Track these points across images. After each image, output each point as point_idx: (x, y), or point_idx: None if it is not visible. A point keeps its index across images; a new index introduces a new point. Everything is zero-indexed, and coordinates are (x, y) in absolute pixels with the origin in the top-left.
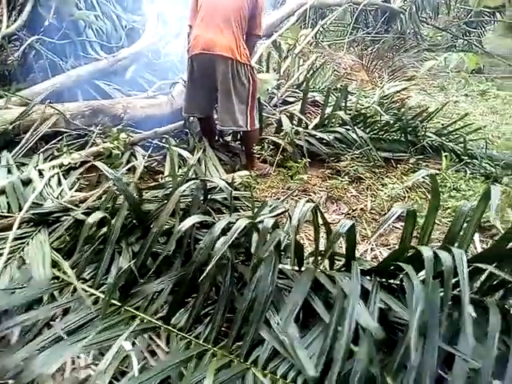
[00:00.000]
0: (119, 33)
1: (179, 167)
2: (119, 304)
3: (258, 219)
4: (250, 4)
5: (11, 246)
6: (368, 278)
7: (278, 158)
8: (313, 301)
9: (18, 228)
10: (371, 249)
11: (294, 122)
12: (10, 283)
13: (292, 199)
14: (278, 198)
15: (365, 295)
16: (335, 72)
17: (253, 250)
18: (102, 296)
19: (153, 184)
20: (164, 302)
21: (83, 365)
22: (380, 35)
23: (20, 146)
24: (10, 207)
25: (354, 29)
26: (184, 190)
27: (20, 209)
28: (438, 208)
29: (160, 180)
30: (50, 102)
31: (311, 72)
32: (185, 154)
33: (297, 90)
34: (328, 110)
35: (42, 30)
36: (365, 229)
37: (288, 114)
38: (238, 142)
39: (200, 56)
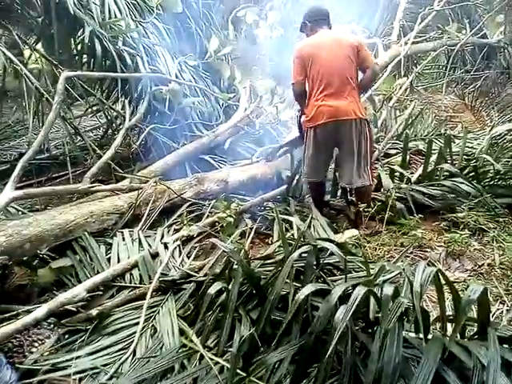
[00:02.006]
0: (216, 110)
1: (286, 230)
2: (244, 374)
3: (377, 283)
4: (354, 58)
5: (145, 315)
6: (507, 346)
7: (387, 215)
8: (445, 373)
9: (151, 297)
10: (507, 310)
11: (396, 175)
12: (146, 351)
13: (407, 257)
14: (392, 256)
15: (506, 367)
16: (436, 116)
17: (370, 316)
18: (227, 364)
19: (264, 254)
20: (286, 371)
21: None
22: (481, 72)
23: (143, 220)
24: (142, 278)
25: (451, 69)
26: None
27: (150, 279)
28: None
29: (269, 243)
30: (160, 179)
31: (410, 120)
32: (295, 220)
33: (397, 142)
34: (433, 158)
35: (156, 118)
36: (496, 287)
37: (388, 169)
38: (342, 200)
39: (325, 125)
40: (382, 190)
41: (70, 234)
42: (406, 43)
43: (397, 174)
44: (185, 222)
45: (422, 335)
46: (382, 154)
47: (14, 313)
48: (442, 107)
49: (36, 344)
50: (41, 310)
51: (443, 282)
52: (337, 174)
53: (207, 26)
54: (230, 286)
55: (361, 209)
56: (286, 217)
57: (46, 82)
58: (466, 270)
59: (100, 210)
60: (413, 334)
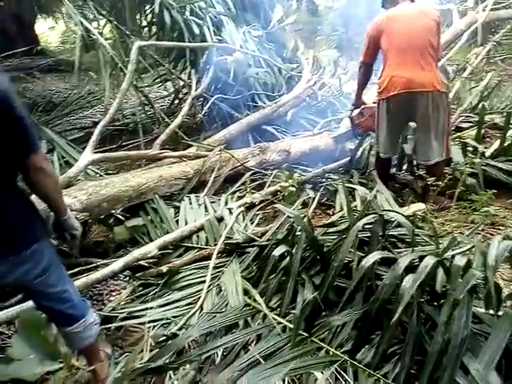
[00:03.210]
0: (279, 81)
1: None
2: (306, 335)
3: (447, 255)
4: (437, 31)
5: (211, 274)
6: None
7: (458, 190)
8: None
9: (216, 258)
10: None
11: (469, 149)
12: (212, 307)
13: (477, 234)
14: (461, 233)
15: None
16: None
17: (437, 288)
18: (289, 325)
19: (328, 221)
20: (348, 335)
21: None
22: None
23: (208, 187)
24: (208, 241)
25: None
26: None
27: (215, 242)
28: None
29: (331, 214)
30: (225, 148)
31: (486, 92)
32: (360, 189)
33: (471, 115)
34: (510, 133)
35: (221, 88)
36: None
37: (460, 143)
38: (407, 174)
39: (398, 96)
40: (452, 164)
41: (142, 196)
42: (483, 10)
43: (469, 148)
44: (248, 189)
45: (492, 311)
46: (452, 128)
47: (94, 265)
48: None
49: (113, 294)
50: (117, 264)
51: None
52: (405, 146)
53: None
54: (293, 251)
55: (429, 183)
56: (350, 186)
57: (120, 52)
58: None
59: (169, 175)
60: (482, 310)
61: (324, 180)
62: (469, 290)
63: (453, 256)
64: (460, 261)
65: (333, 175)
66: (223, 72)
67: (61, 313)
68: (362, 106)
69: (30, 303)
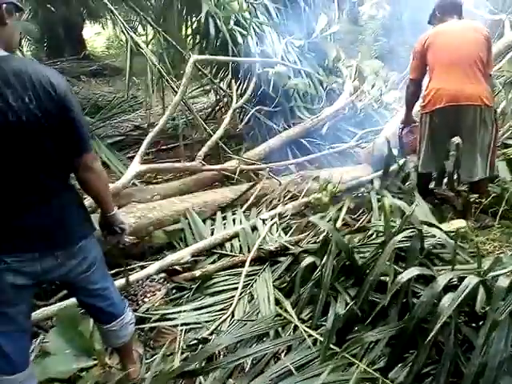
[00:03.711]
0: (319, 93)
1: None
2: (337, 349)
3: (489, 276)
4: (486, 46)
5: (244, 282)
6: None
7: (502, 209)
8: None
9: (249, 266)
10: None
11: None
12: (243, 315)
13: None
14: (503, 253)
15: None
16: None
17: (477, 309)
18: (320, 338)
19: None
20: (380, 352)
21: None
22: None
23: (248, 204)
24: (241, 249)
25: None
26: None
27: (248, 250)
28: None
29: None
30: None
31: None
32: (400, 203)
33: None
34: None
35: (261, 100)
36: None
37: (506, 160)
38: (447, 189)
39: (444, 110)
40: (497, 181)
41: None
42: None
43: None
44: (281, 200)
45: None
46: (498, 144)
47: (131, 267)
48: None
49: (148, 295)
50: (153, 267)
51: None
52: (446, 163)
53: (316, 4)
54: (324, 262)
55: (471, 200)
56: (394, 200)
57: (166, 61)
58: None
59: (213, 200)
60: None
61: (360, 193)
62: (510, 312)
63: (494, 277)
64: (503, 282)
65: (369, 188)
66: (264, 83)
67: (101, 310)
68: (412, 124)
69: (71, 300)
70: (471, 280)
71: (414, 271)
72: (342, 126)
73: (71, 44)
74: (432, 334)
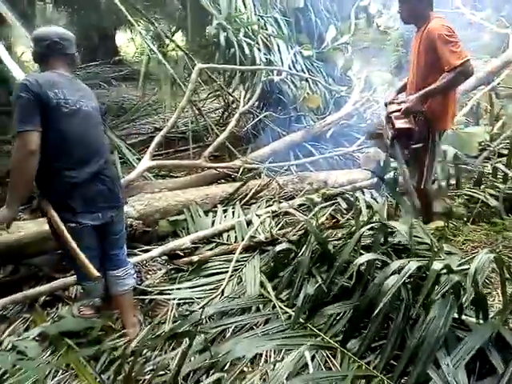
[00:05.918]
0: (327, 101)
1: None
2: (303, 321)
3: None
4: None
5: (234, 266)
6: None
7: (475, 211)
8: (491, 354)
9: (240, 253)
10: None
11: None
12: (231, 293)
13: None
14: (476, 252)
15: None
16: None
17: (423, 290)
18: (294, 314)
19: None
20: (342, 327)
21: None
22: None
23: (246, 199)
24: (236, 239)
25: None
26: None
27: (243, 240)
28: None
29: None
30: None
31: None
32: (370, 201)
33: None
34: None
35: (267, 106)
36: None
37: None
38: None
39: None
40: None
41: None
42: None
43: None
44: (276, 198)
45: (481, 321)
46: (494, 154)
47: (138, 250)
48: None
49: (150, 273)
50: (156, 250)
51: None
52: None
53: (329, 16)
54: (302, 251)
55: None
56: (368, 199)
57: (181, 68)
58: None
59: (214, 194)
60: (473, 319)
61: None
62: (453, 294)
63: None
64: (436, 265)
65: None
66: (270, 91)
67: (115, 256)
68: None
69: None
70: (413, 264)
71: (369, 256)
72: (347, 131)
73: (104, 49)
74: (377, 309)
